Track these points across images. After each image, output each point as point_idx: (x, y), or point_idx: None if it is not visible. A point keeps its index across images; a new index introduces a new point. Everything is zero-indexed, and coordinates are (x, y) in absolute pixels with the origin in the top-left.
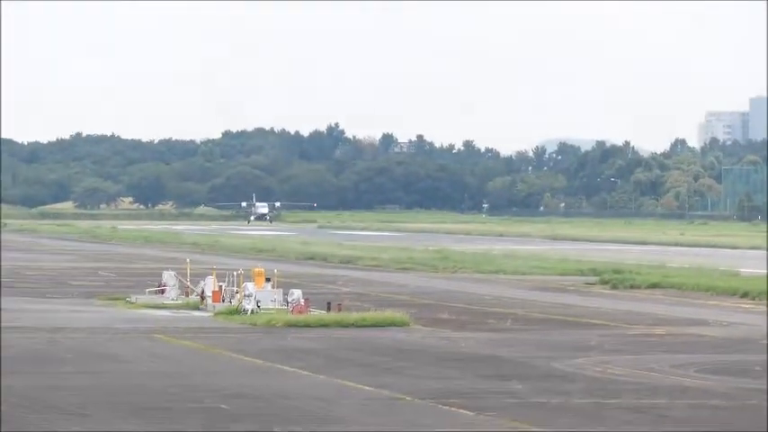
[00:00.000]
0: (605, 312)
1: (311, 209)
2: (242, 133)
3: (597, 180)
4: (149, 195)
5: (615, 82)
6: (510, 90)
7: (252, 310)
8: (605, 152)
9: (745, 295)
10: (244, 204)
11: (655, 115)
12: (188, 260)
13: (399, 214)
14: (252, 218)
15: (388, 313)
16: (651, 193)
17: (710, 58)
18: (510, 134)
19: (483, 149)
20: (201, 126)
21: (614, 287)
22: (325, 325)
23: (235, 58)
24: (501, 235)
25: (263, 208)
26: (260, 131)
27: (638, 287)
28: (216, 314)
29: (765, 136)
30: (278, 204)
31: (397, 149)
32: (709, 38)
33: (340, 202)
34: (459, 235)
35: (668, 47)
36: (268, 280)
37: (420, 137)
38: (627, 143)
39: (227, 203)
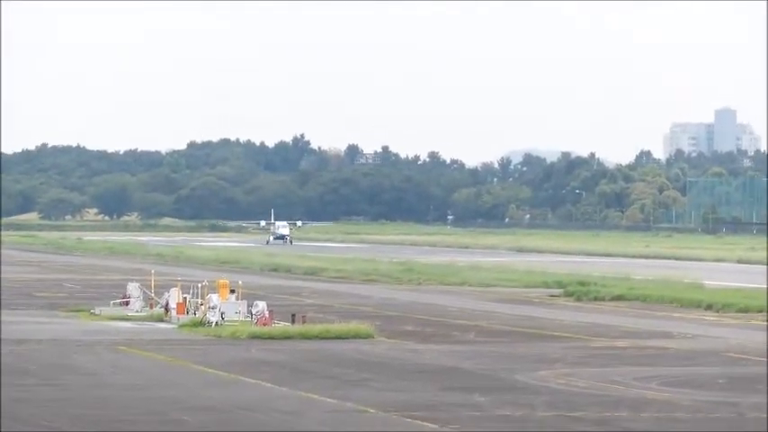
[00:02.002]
0: (569, 325)
1: (330, 224)
2: (207, 144)
3: (562, 192)
4: (114, 206)
5: (580, 93)
6: (475, 101)
7: (216, 322)
8: (570, 163)
9: (709, 308)
10: (263, 223)
11: (620, 127)
12: (152, 272)
13: (364, 226)
14: (271, 238)
15: (353, 325)
16: (616, 205)
17: (675, 69)
18: (475, 145)
19: (448, 161)
20: (167, 137)
21: (579, 299)
22: (289, 337)
23: (199, 66)
24: (466, 247)
25: (283, 228)
26: (225, 142)
27: (603, 299)
28: (180, 326)
29: (730, 148)
30: (299, 224)
31: (362, 161)
32: (674, 49)
33: (305, 213)
34: (425, 246)
35: (634, 58)
36: (232, 292)
37: (385, 148)
38: (592, 154)
39: (244, 222)
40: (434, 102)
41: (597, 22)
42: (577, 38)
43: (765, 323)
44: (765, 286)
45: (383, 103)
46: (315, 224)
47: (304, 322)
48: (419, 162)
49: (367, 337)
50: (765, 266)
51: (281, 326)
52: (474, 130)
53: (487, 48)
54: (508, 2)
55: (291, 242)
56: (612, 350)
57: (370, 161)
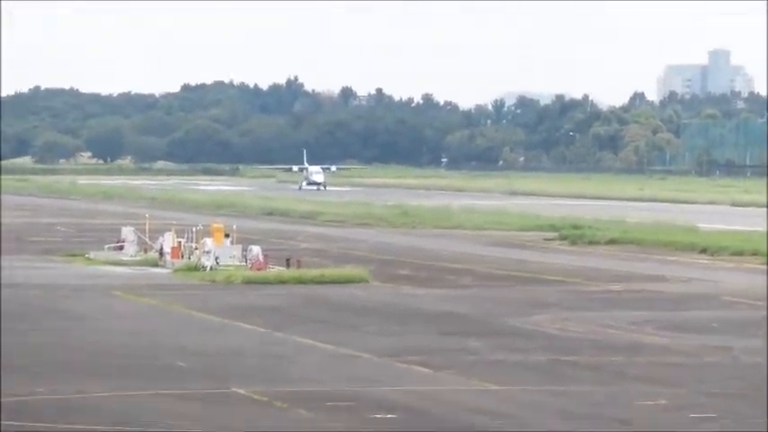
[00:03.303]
0: (564, 268)
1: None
2: (201, 87)
3: (556, 134)
4: (108, 150)
5: (573, 35)
6: (469, 42)
7: (211, 267)
8: (564, 106)
9: (703, 251)
10: (295, 168)
11: (614, 68)
12: (147, 215)
13: (359, 169)
14: (303, 183)
15: (348, 270)
16: (610, 148)
17: (669, 10)
18: (469, 87)
19: (442, 102)
20: (161, 79)
21: (573, 243)
22: (284, 281)
23: (192, 7)
24: (460, 190)
25: (317, 174)
26: (219, 85)
27: (597, 243)
28: (175, 271)
29: (724, 90)
30: (333, 168)
31: (356, 103)
32: None
33: (300, 156)
34: (419, 190)
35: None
36: (227, 236)
37: (379, 90)
38: (586, 96)
39: (276, 166)
40: (428, 43)
41: None
42: None
43: (761, 266)
44: (760, 229)
45: (377, 44)
46: (349, 167)
47: (299, 267)
48: (413, 104)
49: (361, 281)
50: (759, 209)
51: (276, 270)
52: (468, 72)
53: None
54: None
55: (326, 187)
56: (607, 294)
57: (364, 103)
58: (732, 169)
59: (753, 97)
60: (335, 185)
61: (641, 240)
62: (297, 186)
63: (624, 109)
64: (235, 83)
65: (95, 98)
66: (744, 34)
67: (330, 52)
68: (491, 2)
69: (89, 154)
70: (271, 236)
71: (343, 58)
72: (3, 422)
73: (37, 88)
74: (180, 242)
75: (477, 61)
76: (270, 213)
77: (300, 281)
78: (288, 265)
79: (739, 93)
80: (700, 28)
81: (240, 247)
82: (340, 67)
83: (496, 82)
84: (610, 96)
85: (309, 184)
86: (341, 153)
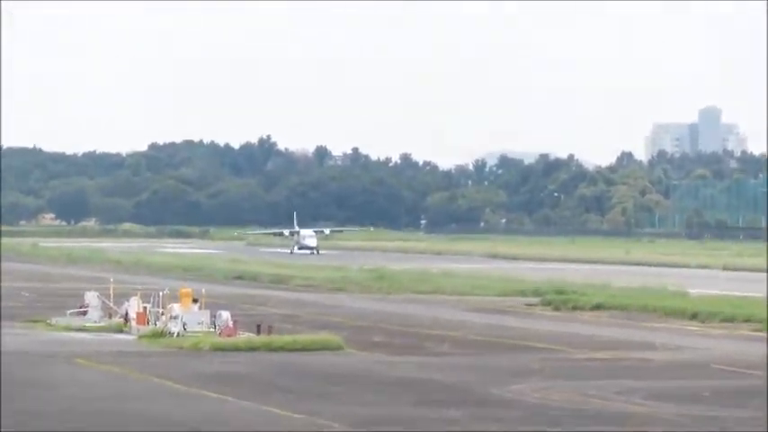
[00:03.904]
0: (547, 335)
1: (365, 231)
2: (170, 145)
3: (540, 195)
4: (72, 211)
5: (559, 92)
6: (449, 101)
7: (178, 333)
8: (548, 165)
9: (694, 317)
10: (286, 233)
11: (600, 127)
12: (111, 280)
13: (358, 232)
14: (295, 248)
15: (321, 336)
16: (596, 209)
17: (657, 67)
18: (449, 147)
19: (421, 162)
20: (127, 138)
21: (557, 308)
22: (254, 348)
23: (161, 65)
24: (439, 253)
25: (310, 238)
26: (188, 143)
27: (582, 308)
28: (140, 337)
29: (715, 148)
30: (327, 231)
31: (331, 162)
32: (655, 47)
33: (272, 218)
34: (396, 253)
35: (614, 57)
36: (195, 301)
37: (355, 149)
38: (571, 156)
39: (266, 231)
40: (406, 102)
41: (573, 20)
42: (555, 36)
43: (754, 332)
44: (753, 294)
45: (353, 102)
46: (341, 228)
47: (270, 333)
48: (390, 164)
49: (336, 348)
50: (753, 273)
51: (246, 337)
52: (447, 131)
53: (461, 45)
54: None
55: (318, 252)
56: (592, 362)
57: (340, 163)
58: (724, 232)
59: (745, 157)
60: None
61: (628, 306)
62: (285, 249)
63: (611, 169)
64: (205, 141)
65: (59, 157)
66: (734, 91)
67: (304, 110)
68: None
69: (52, 215)
70: (241, 301)
71: (317, 116)
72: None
73: None
74: (146, 307)
75: (457, 119)
76: (239, 277)
77: (272, 348)
78: (258, 332)
79: (732, 152)
80: (689, 86)
81: (209, 312)
82: (314, 125)
83: (478, 141)
84: (596, 156)
85: (301, 248)
86: (315, 214)
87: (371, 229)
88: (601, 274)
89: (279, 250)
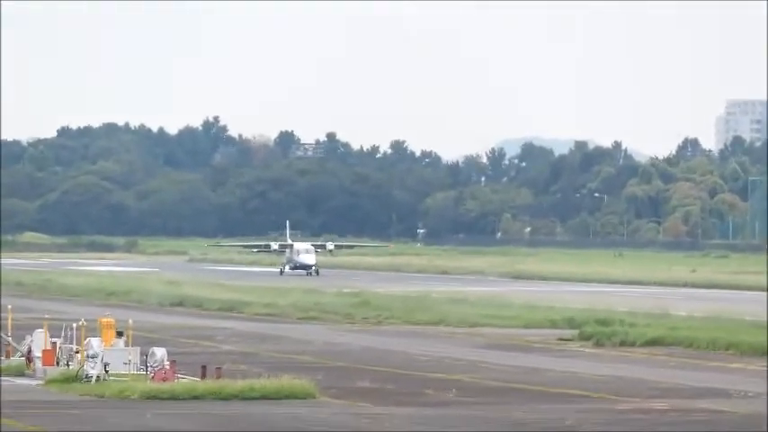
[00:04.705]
0: (586, 379)
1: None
2: (85, 131)
3: (576, 196)
4: None
5: (602, 63)
6: (455, 73)
7: (97, 377)
8: (587, 157)
9: None
10: (274, 246)
11: (656, 106)
12: (9, 307)
13: (376, 246)
14: (286, 267)
15: (286, 381)
16: (651, 214)
17: (731, 28)
18: (455, 133)
19: (419, 153)
20: (30, 121)
21: (599, 344)
22: (198, 397)
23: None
24: (444, 272)
25: (307, 255)
26: (109, 128)
27: (633, 344)
28: (48, 382)
29: None
30: (331, 247)
31: (300, 153)
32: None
33: (221, 225)
34: (386, 272)
35: (672, 13)
36: (120, 334)
37: (331, 136)
38: (617, 144)
39: (247, 243)
40: (399, 75)
41: None
42: None
43: None
44: None
45: (328, 75)
46: (352, 243)
47: (219, 377)
48: (378, 155)
49: (306, 396)
50: None
51: (188, 381)
52: (453, 113)
53: (478, 8)
54: None
55: (317, 273)
56: (646, 414)
57: (311, 154)
58: None
59: None
60: (270, 265)
61: (693, 341)
62: (282, 271)
63: (670, 161)
64: (132, 125)
65: None
66: None
67: (264, 85)
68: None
69: None
70: (181, 334)
71: (281, 93)
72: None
73: None
74: (55, 343)
75: (466, 97)
76: (180, 303)
77: (221, 396)
78: (204, 375)
79: None
80: None
81: (138, 349)
82: (278, 104)
83: (493, 125)
84: (650, 144)
85: (295, 267)
86: (279, 221)
87: (391, 246)
88: (657, 298)
89: (236, 268)
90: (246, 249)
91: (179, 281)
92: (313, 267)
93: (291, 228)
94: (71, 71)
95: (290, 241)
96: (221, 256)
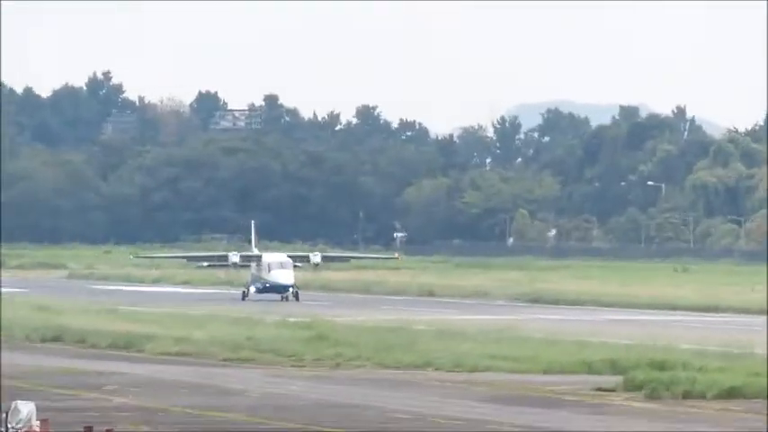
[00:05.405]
0: None
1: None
2: None
3: (621, 184)
4: None
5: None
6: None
7: None
8: (638, 128)
9: None
10: (234, 258)
11: (733, 62)
12: None
13: (387, 258)
14: (252, 289)
15: None
16: (726, 210)
17: None
18: (448, 97)
19: (396, 124)
20: None
21: (653, 396)
22: None
23: None
24: (430, 293)
25: (281, 271)
26: None
27: (702, 396)
28: None
29: None
30: (317, 259)
31: (226, 123)
32: None
33: (113, 228)
34: (349, 293)
35: None
36: None
37: (272, 98)
38: (680, 111)
39: (191, 254)
40: (368, 20)
41: None
42: None
43: None
44: None
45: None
46: (353, 256)
47: None
48: (338, 126)
49: None
50: None
51: None
52: (449, 72)
53: None
54: None
55: (298, 296)
56: None
57: (242, 124)
58: None
59: None
60: (183, 284)
61: None
62: (247, 293)
63: (755, 135)
64: None
65: None
66: None
67: (176, 32)
68: None
69: None
70: (57, 382)
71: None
72: None
73: None
74: None
75: (465, 51)
76: (56, 338)
77: None
78: None
79: None
80: None
81: None
82: (196, 59)
83: (503, 87)
84: (725, 113)
85: (265, 289)
86: (196, 222)
87: (397, 256)
88: (736, 330)
89: (134, 288)
90: (191, 263)
91: (54, 306)
92: (290, 289)
93: (210, 228)
94: None
95: (256, 251)
96: (112, 271)
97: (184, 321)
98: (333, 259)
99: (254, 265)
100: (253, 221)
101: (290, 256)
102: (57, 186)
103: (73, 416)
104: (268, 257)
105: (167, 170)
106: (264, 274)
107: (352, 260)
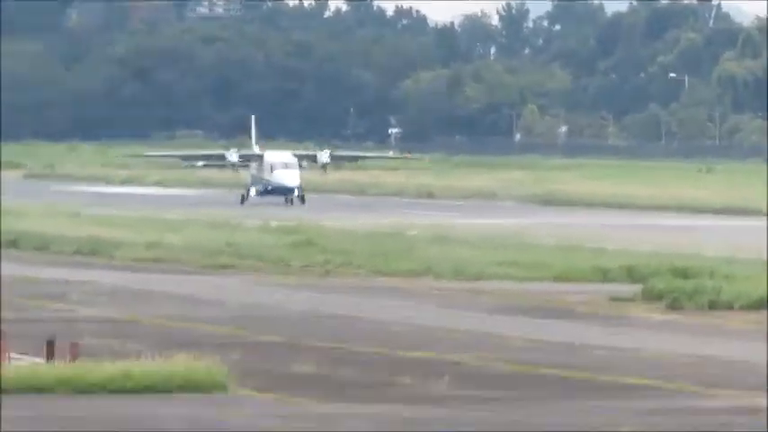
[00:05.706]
0: (654, 361)
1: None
2: None
3: (640, 76)
4: None
5: None
6: None
7: None
8: (658, 15)
9: None
10: (232, 157)
11: None
12: None
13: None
14: (252, 190)
15: (182, 363)
16: (758, 107)
17: None
18: None
19: (391, 12)
20: None
21: (675, 306)
22: (43, 389)
23: None
24: (429, 194)
25: (286, 171)
26: None
27: (728, 306)
28: None
29: None
30: (325, 158)
31: (203, 10)
32: None
33: (78, 123)
34: (340, 194)
35: None
36: None
37: None
38: None
39: (185, 152)
40: None
41: None
42: None
43: None
44: None
45: None
46: (362, 155)
47: (75, 358)
48: (326, 14)
49: (212, 388)
50: None
51: (27, 364)
52: None
53: None
54: None
55: (303, 200)
56: (746, 414)
57: (221, 11)
58: None
59: None
60: (157, 184)
61: None
62: (245, 197)
63: None
64: None
65: None
66: None
67: None
68: None
69: None
70: (15, 292)
71: None
72: None
73: None
74: None
75: None
76: (13, 244)
77: (79, 387)
78: (51, 355)
79: None
80: None
81: None
82: None
83: None
84: None
85: (266, 191)
86: (170, 116)
87: (408, 155)
88: (762, 237)
89: (103, 189)
90: (187, 162)
91: (12, 209)
92: (295, 191)
93: (185, 124)
94: None
95: (257, 150)
96: (79, 171)
97: (158, 226)
98: (341, 159)
99: (254, 165)
100: (253, 116)
101: (295, 155)
102: (14, 79)
103: (33, 328)
104: (271, 156)
105: (138, 61)
106: (267, 175)
107: (361, 159)
